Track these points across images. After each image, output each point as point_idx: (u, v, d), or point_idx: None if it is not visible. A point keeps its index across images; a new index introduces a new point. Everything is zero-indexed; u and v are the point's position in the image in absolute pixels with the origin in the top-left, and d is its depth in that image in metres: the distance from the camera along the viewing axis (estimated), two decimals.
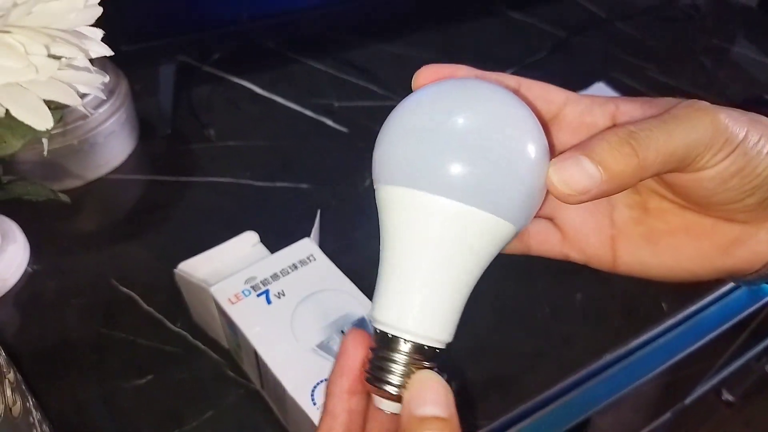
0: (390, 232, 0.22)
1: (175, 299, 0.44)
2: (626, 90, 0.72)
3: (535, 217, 0.27)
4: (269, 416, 0.39)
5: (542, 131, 0.22)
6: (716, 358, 0.78)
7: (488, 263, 0.22)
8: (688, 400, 0.82)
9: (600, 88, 0.72)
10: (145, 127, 0.59)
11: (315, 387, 0.33)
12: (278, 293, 0.38)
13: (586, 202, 0.23)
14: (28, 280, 0.46)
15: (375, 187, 0.23)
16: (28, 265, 0.47)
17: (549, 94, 0.25)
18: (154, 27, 0.58)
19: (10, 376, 0.28)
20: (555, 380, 0.43)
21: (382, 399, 0.22)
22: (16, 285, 0.45)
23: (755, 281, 0.27)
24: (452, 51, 0.77)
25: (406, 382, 0.21)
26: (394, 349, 0.22)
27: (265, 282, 0.38)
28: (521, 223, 0.22)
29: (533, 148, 0.21)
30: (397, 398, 0.22)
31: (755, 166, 0.22)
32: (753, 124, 0.22)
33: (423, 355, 0.21)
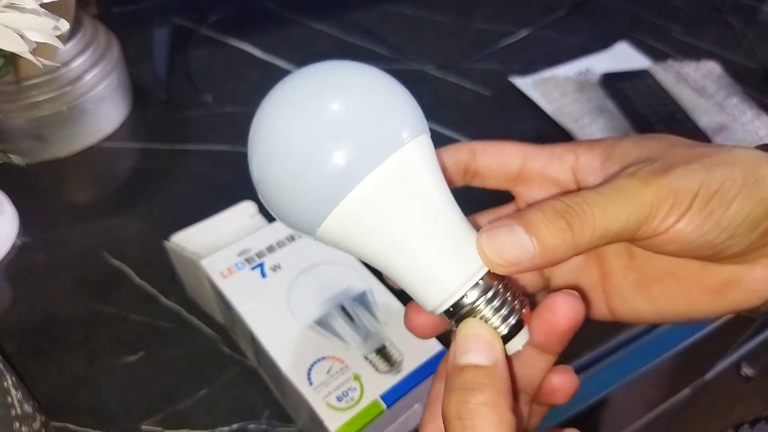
0: (362, 250, 0.21)
1: (169, 272, 0.42)
2: (650, 51, 0.68)
3: (532, 292, 0.27)
4: (267, 395, 0.37)
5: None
6: (737, 335, 0.75)
7: (440, 171, 0.22)
8: (708, 376, 0.80)
9: (623, 49, 0.67)
10: (139, 93, 0.56)
11: (312, 366, 0.31)
12: (274, 266, 0.35)
13: (518, 273, 0.22)
14: (16, 253, 0.44)
15: (311, 237, 0.22)
16: (17, 237, 0.45)
17: (505, 156, 0.25)
18: None
19: None
20: (572, 357, 0.41)
21: (508, 347, 0.22)
22: (4, 258, 0.43)
23: (762, 316, 0.24)
24: (467, 12, 0.73)
25: (506, 313, 0.21)
26: (466, 312, 0.21)
27: (260, 254, 0.36)
28: (424, 126, 0.22)
29: (382, 95, 0.21)
30: (513, 330, 0.22)
31: (718, 219, 0.20)
32: (710, 173, 0.20)
33: (486, 287, 0.21)
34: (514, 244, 0.20)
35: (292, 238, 0.37)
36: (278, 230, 0.37)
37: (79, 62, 0.49)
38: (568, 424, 0.43)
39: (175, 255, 0.39)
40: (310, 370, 0.31)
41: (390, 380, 0.30)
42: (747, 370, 1.10)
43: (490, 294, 0.21)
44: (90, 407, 0.36)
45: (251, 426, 0.36)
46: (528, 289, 0.27)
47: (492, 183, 0.26)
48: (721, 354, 0.79)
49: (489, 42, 0.67)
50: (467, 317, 0.21)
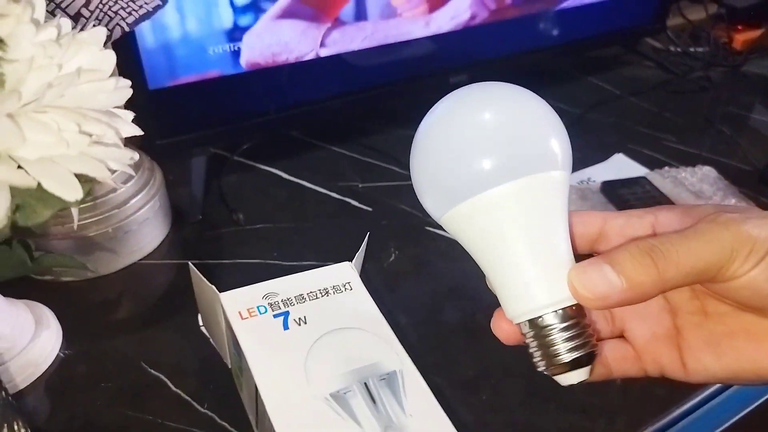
0: (474, 245, 0.24)
1: (203, 381, 0.44)
2: (647, 160, 0.73)
3: (608, 338, 0.29)
4: None
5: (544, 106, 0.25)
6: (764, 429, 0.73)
7: (566, 205, 0.25)
8: None
9: (619, 159, 0.72)
10: (177, 214, 0.61)
11: None
12: (299, 319, 0.32)
13: (607, 308, 0.24)
14: (59, 365, 0.47)
15: (440, 222, 0.26)
16: (60, 350, 0.48)
17: (586, 219, 0.27)
18: (186, 122, 0.62)
19: None
20: None
21: (566, 376, 0.24)
22: (47, 370, 0.46)
23: None
24: None
25: (575, 345, 0.23)
26: (539, 331, 0.23)
27: (287, 302, 0.33)
28: (569, 165, 0.25)
29: (536, 111, 0.25)
30: (575, 364, 0.23)
31: None
32: None
33: (565, 317, 0.23)
34: (602, 280, 0.22)
35: (326, 292, 0.34)
36: (313, 281, 0.34)
37: (125, 188, 0.54)
38: None
39: (197, 280, 0.36)
40: None
41: None
42: None
43: (566, 324, 0.23)
44: None
45: None
46: (600, 335, 0.28)
47: (575, 246, 0.27)
48: None
49: None
50: (539, 336, 0.23)
